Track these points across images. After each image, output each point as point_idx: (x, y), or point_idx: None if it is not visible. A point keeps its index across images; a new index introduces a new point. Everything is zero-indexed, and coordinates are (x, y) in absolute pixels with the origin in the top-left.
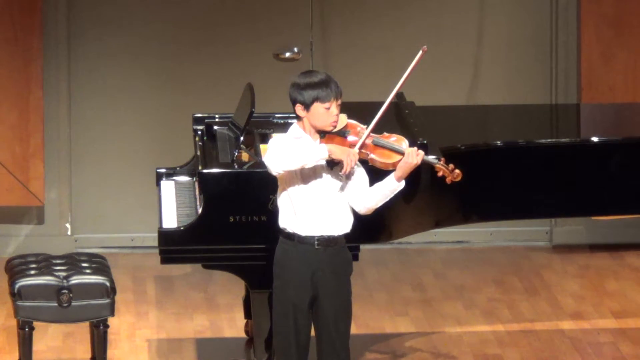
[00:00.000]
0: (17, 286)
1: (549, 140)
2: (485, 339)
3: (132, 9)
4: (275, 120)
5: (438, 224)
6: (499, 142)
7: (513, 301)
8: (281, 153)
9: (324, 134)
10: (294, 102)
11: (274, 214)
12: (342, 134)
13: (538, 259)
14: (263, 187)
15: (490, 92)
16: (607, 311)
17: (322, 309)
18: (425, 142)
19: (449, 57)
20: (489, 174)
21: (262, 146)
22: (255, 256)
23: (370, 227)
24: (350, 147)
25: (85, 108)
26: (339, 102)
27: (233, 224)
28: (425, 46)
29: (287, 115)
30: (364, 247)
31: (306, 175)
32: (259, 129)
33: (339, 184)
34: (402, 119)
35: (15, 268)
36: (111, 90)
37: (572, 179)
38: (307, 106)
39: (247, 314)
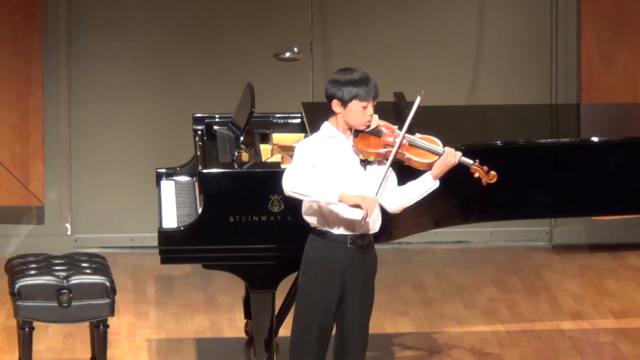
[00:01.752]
0: (17, 286)
1: (549, 140)
2: (485, 339)
3: (132, 9)
4: (275, 120)
5: (438, 224)
6: (498, 142)
7: (513, 301)
8: (297, 181)
9: (357, 133)
10: (332, 97)
11: (273, 214)
12: (376, 133)
13: (538, 259)
14: (263, 187)
15: (490, 92)
16: (607, 311)
17: (348, 307)
18: None
19: (449, 57)
20: None
21: (262, 146)
22: (255, 256)
23: None
24: (385, 146)
25: (85, 108)
26: (375, 102)
27: (233, 224)
28: (422, 91)
29: (287, 115)
30: None
31: (335, 178)
32: (259, 129)
33: (369, 184)
34: (403, 118)
35: (15, 268)
36: (111, 91)
37: (572, 179)
38: (344, 103)
39: (247, 314)
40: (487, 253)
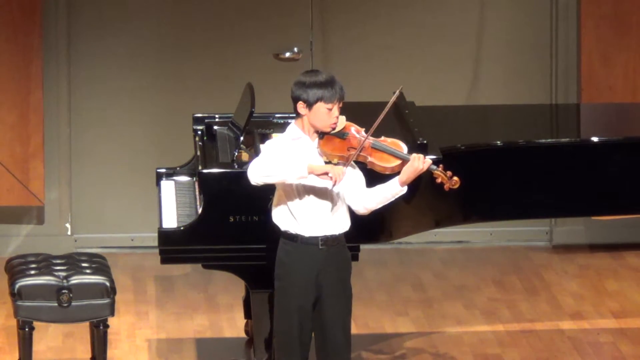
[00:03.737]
0: (17, 286)
1: (549, 140)
2: (485, 339)
3: (132, 9)
4: (275, 120)
5: (438, 224)
6: (499, 142)
7: (513, 301)
8: (262, 166)
9: (322, 135)
10: (297, 100)
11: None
12: (341, 135)
13: (538, 259)
14: (263, 187)
15: (490, 92)
16: (607, 311)
17: (326, 308)
18: (425, 142)
19: (449, 57)
20: (489, 173)
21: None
22: (255, 256)
23: (370, 227)
24: (349, 149)
25: (85, 108)
26: (341, 104)
27: (233, 224)
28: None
29: (287, 115)
30: (364, 247)
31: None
32: (259, 129)
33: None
34: (402, 119)
35: (15, 268)
36: (111, 90)
37: (572, 179)
38: (309, 105)
39: (247, 314)
40: (487, 253)
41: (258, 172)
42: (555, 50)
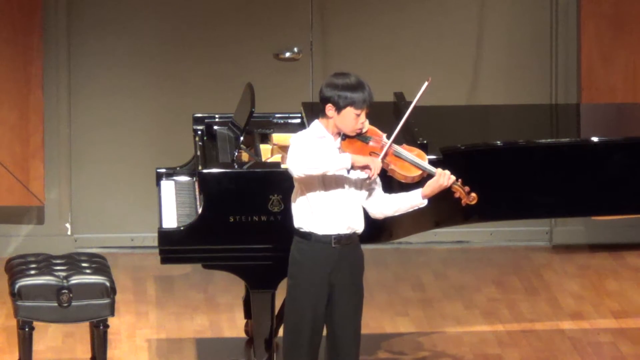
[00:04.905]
0: (17, 286)
1: (549, 140)
2: (485, 339)
3: (132, 9)
4: (275, 120)
5: (438, 224)
6: (499, 142)
7: (513, 301)
8: (305, 158)
9: (344, 137)
10: (326, 101)
11: (273, 213)
12: (363, 139)
13: (538, 259)
14: (263, 187)
15: (490, 92)
16: (607, 311)
17: (338, 306)
18: (425, 142)
19: (449, 57)
20: (489, 174)
21: (262, 146)
22: (255, 256)
23: (370, 227)
24: (371, 154)
25: (85, 108)
26: (368, 110)
27: (233, 224)
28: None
29: (287, 115)
30: (364, 247)
31: (327, 177)
32: (259, 129)
33: (357, 183)
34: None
35: (15, 268)
36: (111, 90)
37: (572, 179)
38: (339, 108)
39: (247, 314)
40: (487, 253)
41: (303, 166)
42: (555, 50)
